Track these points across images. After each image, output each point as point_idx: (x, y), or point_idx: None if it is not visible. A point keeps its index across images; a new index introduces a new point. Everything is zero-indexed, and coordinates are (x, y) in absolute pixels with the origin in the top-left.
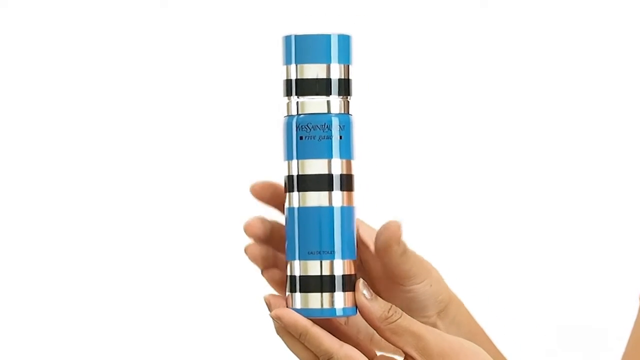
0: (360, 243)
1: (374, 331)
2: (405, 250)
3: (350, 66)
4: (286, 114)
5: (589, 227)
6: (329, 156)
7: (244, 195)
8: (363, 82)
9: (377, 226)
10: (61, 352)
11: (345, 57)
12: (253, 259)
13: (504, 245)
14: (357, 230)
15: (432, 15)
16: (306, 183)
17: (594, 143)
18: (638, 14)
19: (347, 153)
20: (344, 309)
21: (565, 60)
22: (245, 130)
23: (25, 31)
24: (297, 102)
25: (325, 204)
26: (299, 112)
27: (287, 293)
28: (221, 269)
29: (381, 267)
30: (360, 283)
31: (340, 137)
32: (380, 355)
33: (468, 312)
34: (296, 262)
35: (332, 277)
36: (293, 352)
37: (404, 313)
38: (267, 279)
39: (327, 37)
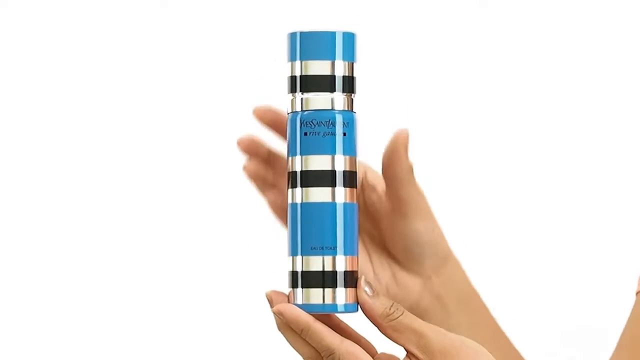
0: (367, 186)
1: None
2: (411, 169)
3: (354, 64)
4: (290, 111)
5: (589, 226)
6: (333, 152)
7: (245, 194)
8: (367, 81)
9: None
10: (61, 352)
11: (350, 55)
12: (251, 178)
13: (503, 244)
14: (365, 175)
15: (433, 15)
16: (309, 179)
17: (595, 143)
18: (638, 14)
19: (350, 150)
20: (345, 305)
21: (565, 59)
22: (249, 127)
23: (25, 31)
24: (302, 99)
25: (328, 200)
26: (303, 109)
27: (289, 289)
28: (223, 265)
29: (387, 199)
30: (362, 280)
31: (344, 134)
32: (382, 353)
33: (465, 274)
34: (298, 258)
35: (334, 273)
36: (294, 348)
37: (406, 310)
38: (267, 201)
39: (332, 35)
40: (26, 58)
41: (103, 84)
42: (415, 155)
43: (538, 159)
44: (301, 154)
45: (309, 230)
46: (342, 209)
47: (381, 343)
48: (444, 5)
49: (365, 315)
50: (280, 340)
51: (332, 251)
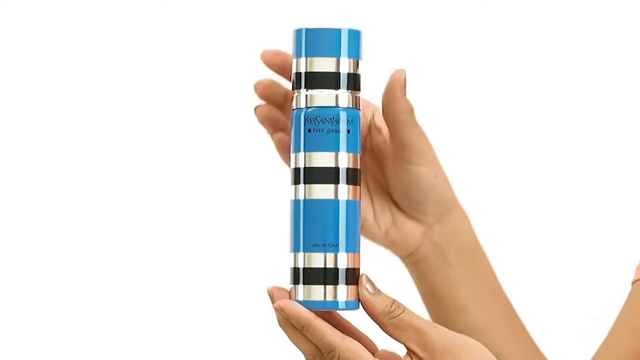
0: (374, 127)
1: None
2: (410, 110)
3: (360, 61)
4: (295, 107)
5: (588, 224)
6: (336, 150)
7: (247, 191)
8: (372, 79)
9: None
10: (61, 352)
11: (355, 52)
12: (262, 120)
13: (504, 242)
14: (373, 117)
15: (434, 15)
16: (313, 175)
17: (596, 143)
18: (638, 14)
19: (354, 147)
20: (346, 302)
21: (565, 59)
22: (252, 124)
23: (25, 31)
24: (306, 95)
25: (331, 196)
26: (308, 105)
27: (290, 285)
28: (224, 261)
29: (390, 141)
30: (364, 277)
31: (348, 131)
32: (382, 350)
33: (471, 227)
34: (300, 254)
35: (335, 270)
36: (295, 344)
37: (407, 308)
38: (275, 142)
39: (338, 32)
40: (26, 58)
41: (103, 84)
42: None
43: (541, 158)
44: (305, 151)
45: (311, 227)
46: (344, 206)
47: (382, 340)
48: (445, 5)
49: (366, 312)
50: (281, 336)
51: (334, 248)
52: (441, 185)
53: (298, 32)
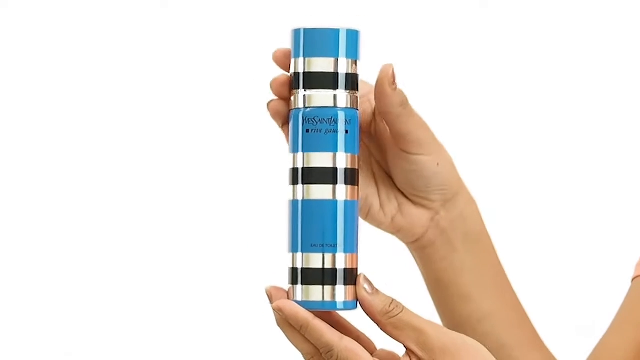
0: (378, 114)
1: None
2: (403, 102)
3: (358, 61)
4: (293, 107)
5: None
6: (334, 150)
7: (246, 191)
8: (371, 79)
9: None
10: (61, 352)
11: (353, 52)
12: (274, 115)
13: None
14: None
15: (434, 15)
16: (311, 176)
17: (595, 140)
18: (638, 14)
19: (352, 147)
20: (344, 302)
21: (564, 59)
22: (251, 123)
23: (25, 31)
24: (304, 95)
25: (329, 197)
26: (306, 105)
27: (289, 285)
28: (223, 260)
29: (390, 134)
30: (362, 277)
31: (346, 132)
32: (381, 349)
33: (478, 212)
34: (298, 255)
35: (333, 270)
36: (293, 344)
37: (405, 307)
38: (285, 133)
39: (336, 32)
40: (26, 58)
41: (103, 84)
42: None
43: (541, 156)
44: (303, 151)
45: (309, 227)
46: (342, 207)
47: (382, 339)
48: (445, 5)
49: (365, 312)
50: (279, 336)
51: (333, 248)
52: (445, 172)
53: (296, 32)
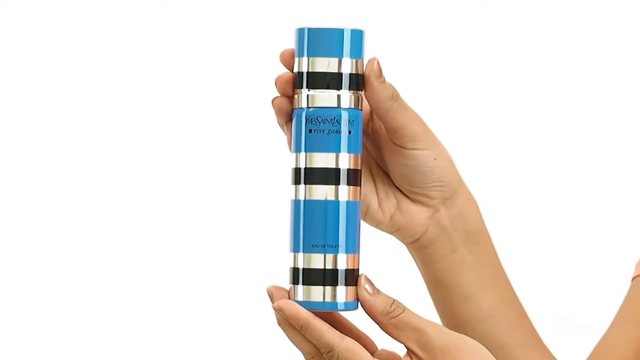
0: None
1: None
2: (393, 96)
3: (362, 61)
4: (296, 106)
5: (586, 221)
6: (337, 150)
7: (247, 191)
8: None
9: None
10: (61, 352)
11: (357, 52)
12: (278, 112)
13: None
14: None
15: (435, 15)
16: (313, 176)
17: (595, 139)
18: (638, 14)
19: (355, 148)
20: (345, 303)
21: (564, 59)
22: (253, 123)
23: (25, 31)
24: (308, 95)
25: (332, 197)
26: (309, 105)
27: (290, 285)
28: (224, 260)
29: (384, 130)
30: (363, 277)
31: (350, 132)
32: (382, 349)
33: (478, 211)
34: (300, 255)
35: (335, 271)
36: (294, 344)
37: (406, 308)
38: (287, 132)
39: (340, 31)
40: (26, 58)
41: (103, 84)
42: None
43: (541, 156)
44: (305, 151)
45: (311, 228)
46: (345, 207)
47: (382, 340)
48: (445, 5)
49: (366, 312)
50: (280, 336)
51: (334, 249)
52: (443, 167)
53: (300, 32)
